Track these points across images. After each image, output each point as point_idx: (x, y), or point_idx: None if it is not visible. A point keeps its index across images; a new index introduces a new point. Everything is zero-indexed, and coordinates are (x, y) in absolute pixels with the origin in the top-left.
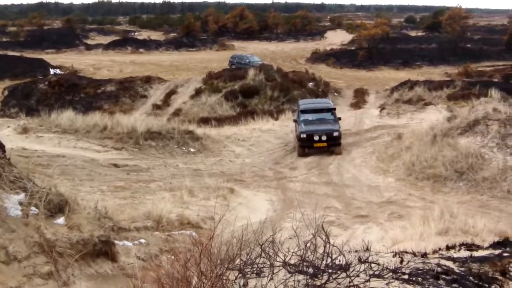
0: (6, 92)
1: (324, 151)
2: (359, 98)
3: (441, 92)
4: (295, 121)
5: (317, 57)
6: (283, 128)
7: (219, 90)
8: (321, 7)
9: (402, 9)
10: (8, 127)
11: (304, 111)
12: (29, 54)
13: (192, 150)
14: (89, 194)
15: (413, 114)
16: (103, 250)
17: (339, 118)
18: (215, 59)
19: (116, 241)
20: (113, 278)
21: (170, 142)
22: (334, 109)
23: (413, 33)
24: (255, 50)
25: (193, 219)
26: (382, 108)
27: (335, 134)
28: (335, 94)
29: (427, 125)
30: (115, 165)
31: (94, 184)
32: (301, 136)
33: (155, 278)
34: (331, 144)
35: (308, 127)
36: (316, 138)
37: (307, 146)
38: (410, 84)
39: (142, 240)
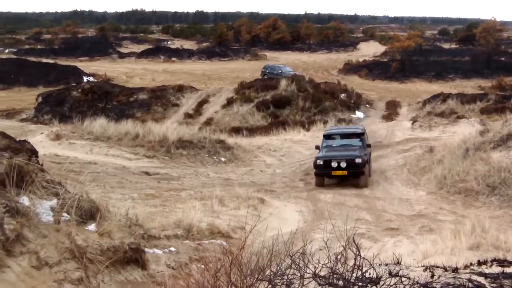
0: (39, 99)
1: (345, 181)
2: (391, 110)
3: (474, 105)
4: (317, 147)
5: (350, 68)
6: (314, 139)
7: (251, 100)
8: (354, 19)
9: (435, 21)
10: (41, 133)
11: (328, 137)
12: (63, 62)
13: (223, 159)
14: (120, 201)
15: (445, 127)
16: (133, 258)
17: (369, 145)
18: (247, 69)
19: (146, 249)
20: (142, 286)
21: (201, 151)
22: (363, 134)
23: (446, 46)
24: (287, 61)
25: (223, 228)
26: (414, 120)
27: (358, 160)
28: (367, 105)
29: (459, 138)
30: (146, 173)
31: (125, 192)
32: (317, 162)
33: (184, 287)
34: (352, 173)
35: (327, 153)
36: (334, 165)
37: (324, 174)
38: (443, 97)
39: (172, 249)
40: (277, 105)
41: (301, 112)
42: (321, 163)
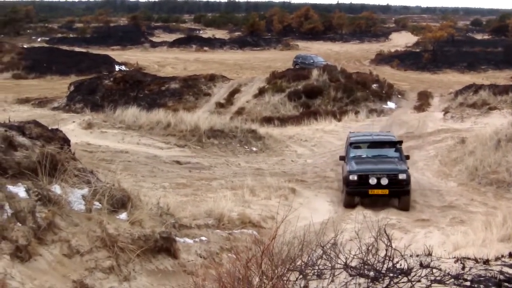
0: (71, 88)
1: (384, 202)
2: (423, 101)
3: (507, 96)
4: (342, 158)
5: (381, 59)
6: (345, 129)
7: (282, 89)
8: (386, 9)
9: (468, 12)
10: (73, 122)
11: (356, 145)
12: (95, 50)
13: (254, 149)
14: (151, 190)
15: (477, 118)
16: (164, 247)
17: (407, 157)
18: (279, 58)
19: (177, 238)
20: (173, 275)
21: (233, 140)
22: (400, 143)
23: (479, 36)
24: (319, 51)
25: (254, 218)
26: (446, 111)
27: (402, 177)
28: (399, 96)
29: (491, 129)
30: (178, 162)
31: (156, 181)
32: (350, 178)
33: (216, 276)
34: (395, 192)
35: (361, 166)
36: (372, 181)
37: (358, 193)
38: (475, 88)
39: (203, 238)
40: (309, 95)
41: (332, 102)
42: (356, 178)
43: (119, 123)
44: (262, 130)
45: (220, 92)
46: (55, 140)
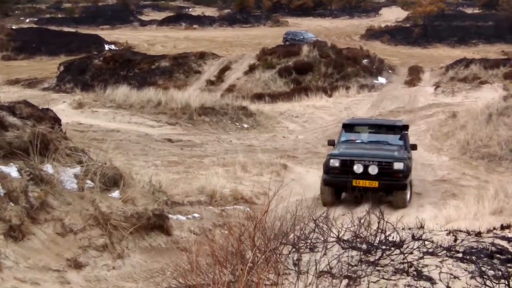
0: (61, 68)
1: (373, 199)
2: (414, 76)
3: (497, 70)
4: (331, 143)
5: (372, 34)
6: (336, 105)
7: (273, 66)
8: None
9: None
10: (64, 102)
11: (350, 128)
12: (84, 30)
13: (245, 126)
14: (143, 168)
15: (468, 93)
16: (157, 224)
17: (414, 147)
18: (269, 35)
19: (170, 215)
20: (166, 252)
21: (224, 117)
22: (405, 128)
23: (469, 11)
24: (309, 27)
25: (247, 194)
26: (437, 86)
27: (398, 166)
28: (390, 71)
29: (482, 103)
30: (169, 140)
31: (148, 159)
32: (330, 163)
33: (209, 251)
34: (388, 185)
35: (348, 150)
36: (358, 169)
37: (339, 183)
38: (466, 62)
39: (196, 215)
40: (299, 71)
41: (323, 78)
42: (337, 164)
43: (109, 102)
44: (253, 106)
45: (210, 70)
46: (46, 120)
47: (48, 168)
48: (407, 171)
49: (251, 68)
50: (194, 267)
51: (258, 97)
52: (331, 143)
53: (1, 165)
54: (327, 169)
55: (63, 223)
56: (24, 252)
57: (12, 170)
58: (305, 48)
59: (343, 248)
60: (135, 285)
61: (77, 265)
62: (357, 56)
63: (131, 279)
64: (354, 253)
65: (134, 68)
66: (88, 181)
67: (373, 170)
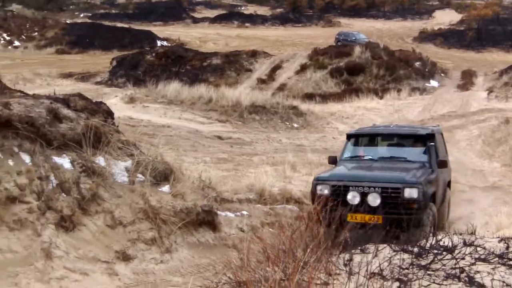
0: (114, 63)
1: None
2: (467, 80)
3: None
4: (332, 161)
5: (425, 37)
6: (387, 107)
7: (324, 66)
8: None
9: None
10: (116, 96)
11: (355, 139)
12: (137, 26)
13: (295, 125)
14: (193, 164)
15: None
16: (205, 220)
17: (443, 163)
18: (320, 35)
19: (218, 212)
20: (214, 248)
21: (274, 116)
22: (432, 137)
23: None
24: (361, 28)
25: (296, 194)
26: (490, 91)
27: (409, 194)
28: (442, 74)
29: None
30: (219, 137)
31: (197, 155)
32: (317, 190)
33: (260, 249)
34: (396, 221)
35: (343, 171)
36: (352, 198)
37: (330, 219)
38: None
39: (244, 212)
40: (351, 72)
41: (374, 79)
42: (326, 192)
43: (161, 98)
44: (304, 106)
45: (261, 68)
46: (99, 113)
47: (100, 160)
48: (423, 200)
49: (303, 68)
50: (245, 263)
51: (309, 97)
52: (332, 160)
53: (54, 156)
54: (313, 196)
55: (113, 216)
56: (74, 242)
57: (65, 162)
58: (357, 49)
59: (394, 250)
60: (182, 280)
61: (126, 258)
62: (409, 58)
63: (178, 273)
64: (405, 256)
65: (185, 65)
66: (139, 175)
67: (373, 200)
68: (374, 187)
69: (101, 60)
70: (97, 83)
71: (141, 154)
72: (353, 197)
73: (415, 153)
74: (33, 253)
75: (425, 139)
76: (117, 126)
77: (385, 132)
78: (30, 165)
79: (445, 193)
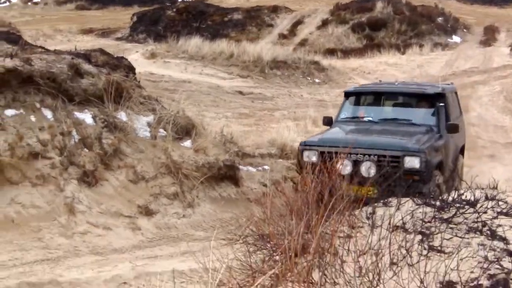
0: (134, 18)
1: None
2: (489, 36)
3: None
4: (327, 122)
5: None
6: (409, 62)
7: (346, 21)
8: None
9: None
10: (137, 52)
11: (355, 97)
12: None
13: (317, 80)
14: (214, 120)
15: None
16: (227, 174)
17: (454, 128)
18: None
19: (240, 166)
20: (236, 202)
21: (295, 72)
22: (442, 97)
23: None
24: None
25: None
26: None
27: (410, 163)
28: (464, 30)
29: None
30: (240, 93)
31: (219, 110)
32: (303, 157)
33: (282, 203)
34: (393, 194)
35: (335, 135)
36: (343, 167)
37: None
38: None
39: (266, 167)
40: (373, 27)
41: (396, 35)
42: (314, 159)
43: (182, 53)
44: (325, 62)
45: (283, 23)
46: (121, 68)
47: (122, 115)
48: (426, 171)
49: (324, 23)
50: (268, 216)
51: (330, 52)
52: (327, 121)
53: (76, 112)
54: (299, 163)
55: (136, 170)
56: (97, 197)
57: (87, 117)
58: (379, 4)
59: (416, 204)
60: (204, 234)
61: (148, 212)
62: (431, 13)
63: (200, 227)
64: (427, 209)
65: (206, 20)
66: (161, 130)
67: (367, 169)
68: (369, 155)
69: (122, 16)
70: (118, 39)
71: (162, 109)
72: (343, 166)
73: (421, 115)
74: (56, 208)
75: (433, 99)
76: (139, 81)
77: (387, 90)
78: (52, 121)
79: (457, 161)
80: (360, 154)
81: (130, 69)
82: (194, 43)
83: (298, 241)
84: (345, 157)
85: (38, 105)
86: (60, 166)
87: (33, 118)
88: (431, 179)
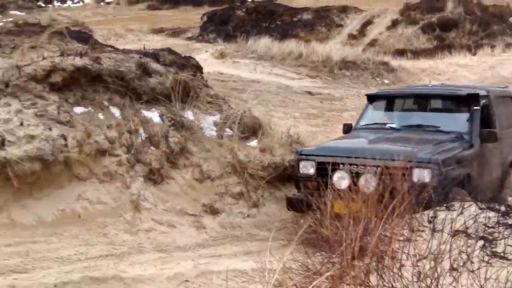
0: (205, 18)
1: None
2: None
3: None
4: (346, 129)
5: None
6: (481, 64)
7: (416, 22)
8: None
9: None
10: (206, 51)
11: (379, 101)
12: None
13: (386, 81)
14: (282, 120)
15: None
16: (293, 175)
17: (490, 136)
18: None
19: None
20: None
21: (365, 72)
22: (476, 99)
23: None
24: None
25: None
26: None
27: (418, 176)
28: None
29: None
30: (309, 93)
31: (287, 111)
32: (300, 167)
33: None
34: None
35: (341, 143)
36: (339, 179)
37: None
38: None
39: None
40: (443, 27)
41: (467, 35)
42: (311, 171)
43: (251, 53)
44: (395, 62)
45: (352, 24)
46: (188, 67)
47: (189, 114)
48: (439, 186)
49: (394, 24)
50: (327, 218)
51: (400, 53)
52: (346, 129)
53: (143, 110)
54: (296, 179)
55: (201, 169)
56: (162, 195)
57: (154, 115)
58: (450, 4)
59: (480, 208)
60: (268, 234)
61: (213, 211)
62: (503, 13)
63: (265, 227)
64: (491, 214)
65: (276, 20)
66: (227, 129)
67: (367, 183)
68: (370, 166)
69: (192, 16)
70: (188, 38)
71: (229, 108)
72: (339, 179)
73: (452, 120)
74: (122, 205)
75: (468, 103)
76: (206, 81)
77: (413, 92)
78: (120, 119)
79: (504, 177)
80: (361, 165)
81: (198, 68)
82: (264, 43)
83: (356, 243)
84: (343, 168)
85: (106, 103)
86: (127, 163)
87: (101, 116)
88: (447, 197)
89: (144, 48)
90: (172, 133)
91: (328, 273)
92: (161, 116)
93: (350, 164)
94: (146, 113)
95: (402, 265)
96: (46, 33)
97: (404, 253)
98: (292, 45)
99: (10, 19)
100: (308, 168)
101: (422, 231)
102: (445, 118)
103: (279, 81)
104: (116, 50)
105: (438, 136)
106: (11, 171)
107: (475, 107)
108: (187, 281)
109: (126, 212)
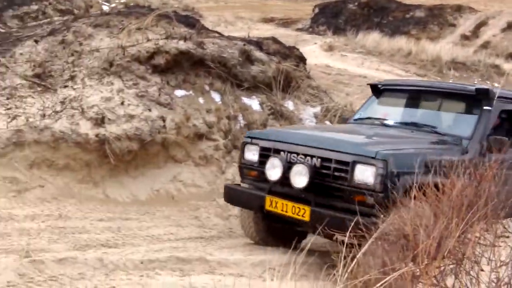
0: (316, 10)
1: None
2: None
3: None
4: (343, 120)
5: None
6: None
7: None
8: None
9: None
10: (315, 43)
11: (382, 93)
12: None
13: (496, 84)
14: None
15: None
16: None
17: (497, 143)
18: None
19: None
20: None
21: (474, 74)
22: (486, 97)
23: None
24: None
25: None
26: None
27: (360, 175)
28: None
29: None
30: None
31: None
32: (245, 152)
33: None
34: (330, 217)
35: (298, 129)
36: (272, 168)
37: (252, 202)
38: None
39: None
40: None
41: None
42: (255, 157)
43: (359, 48)
44: (506, 66)
45: (466, 24)
46: (291, 58)
47: (289, 104)
48: (383, 191)
49: (509, 26)
50: (409, 217)
51: None
52: (341, 122)
53: (243, 97)
54: (240, 167)
55: None
56: None
57: (254, 103)
58: None
59: None
60: None
61: None
62: None
63: None
64: None
65: (388, 16)
66: (327, 122)
67: (297, 175)
68: (305, 155)
69: (303, 7)
70: (298, 29)
71: (331, 101)
72: (272, 167)
73: (453, 121)
74: (216, 189)
75: (476, 102)
76: (309, 72)
77: (417, 86)
78: (219, 104)
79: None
80: (294, 152)
81: (301, 59)
82: (373, 38)
83: (434, 244)
84: (276, 156)
85: (207, 87)
86: (224, 148)
87: (201, 100)
88: (387, 207)
89: (249, 36)
90: (271, 122)
91: (402, 270)
92: (261, 104)
93: (290, 152)
94: (246, 100)
95: (481, 270)
96: (152, 16)
97: (485, 257)
98: (402, 42)
99: (123, 0)
100: (253, 154)
101: (507, 237)
102: (445, 117)
103: (386, 77)
104: (220, 36)
105: (427, 136)
106: (109, 148)
107: (485, 107)
108: (271, 269)
109: (220, 196)
